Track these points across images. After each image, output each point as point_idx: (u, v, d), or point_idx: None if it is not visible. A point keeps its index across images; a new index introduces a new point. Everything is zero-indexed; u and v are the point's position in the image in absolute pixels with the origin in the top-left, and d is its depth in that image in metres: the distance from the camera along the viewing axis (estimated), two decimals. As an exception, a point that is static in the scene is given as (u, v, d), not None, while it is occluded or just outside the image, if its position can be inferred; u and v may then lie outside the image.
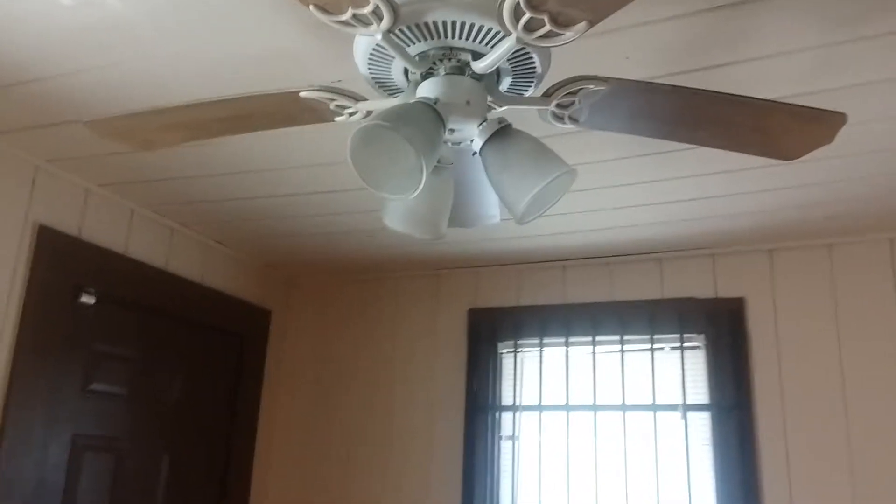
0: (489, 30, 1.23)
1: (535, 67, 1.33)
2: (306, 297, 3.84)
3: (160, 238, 3.05)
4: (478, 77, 1.31)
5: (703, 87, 1.65)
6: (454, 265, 3.49)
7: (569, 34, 1.17)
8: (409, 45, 1.29)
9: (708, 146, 1.58)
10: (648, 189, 2.55)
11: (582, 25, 1.15)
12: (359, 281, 3.73)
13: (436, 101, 1.27)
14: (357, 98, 1.39)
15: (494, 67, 1.28)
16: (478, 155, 1.36)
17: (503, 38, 1.23)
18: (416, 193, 1.19)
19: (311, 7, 1.17)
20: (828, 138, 1.55)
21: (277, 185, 2.66)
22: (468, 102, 1.29)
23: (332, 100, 1.39)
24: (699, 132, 1.53)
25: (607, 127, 1.50)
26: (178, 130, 1.57)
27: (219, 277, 3.36)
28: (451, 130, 1.32)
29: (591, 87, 1.37)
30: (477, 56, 1.29)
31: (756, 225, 2.84)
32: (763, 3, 1.58)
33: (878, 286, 2.85)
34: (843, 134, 2.03)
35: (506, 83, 1.37)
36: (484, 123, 1.30)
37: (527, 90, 1.40)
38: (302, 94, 1.38)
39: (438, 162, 1.37)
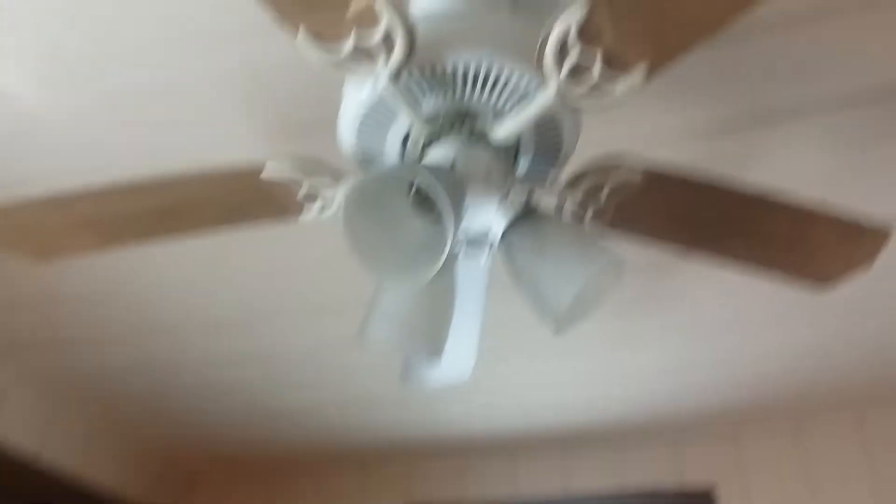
0: (520, 79, 0.99)
1: (559, 142, 1.08)
2: (208, 498, 3.23)
3: (31, 419, 2.49)
4: (496, 149, 1.05)
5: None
6: (385, 454, 3.03)
7: (621, 86, 0.94)
8: (417, 99, 1.02)
9: (739, 261, 1.34)
10: (608, 359, 2.30)
11: (640, 71, 0.93)
12: (272, 478, 3.18)
13: (452, 165, 0.99)
14: (339, 177, 1.09)
15: (518, 135, 1.03)
16: (493, 248, 1.07)
17: (536, 91, 0.98)
18: (430, 277, 0.88)
19: (300, 36, 0.90)
20: (869, 258, 1.35)
21: (178, 355, 2.24)
22: (488, 175, 1.01)
23: (303, 181, 1.09)
24: (733, 241, 1.30)
25: (628, 232, 1.25)
26: (85, 230, 1.20)
27: (99, 470, 2.76)
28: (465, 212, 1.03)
29: (622, 176, 1.13)
30: (497, 119, 1.03)
31: (723, 404, 2.60)
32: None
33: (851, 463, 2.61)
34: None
35: (524, 164, 1.11)
36: (505, 203, 1.02)
37: (546, 175, 1.14)
38: (267, 167, 1.07)
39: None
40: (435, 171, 0.89)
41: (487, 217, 1.03)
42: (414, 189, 0.95)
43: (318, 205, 1.13)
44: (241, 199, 1.13)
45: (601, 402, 2.59)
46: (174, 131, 1.45)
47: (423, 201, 0.95)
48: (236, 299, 2.00)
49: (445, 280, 1.06)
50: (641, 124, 1.48)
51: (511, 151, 1.07)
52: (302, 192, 1.10)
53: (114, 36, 1.26)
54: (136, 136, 1.46)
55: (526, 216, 0.99)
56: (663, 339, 2.21)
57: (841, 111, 1.49)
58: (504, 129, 1.01)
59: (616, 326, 2.14)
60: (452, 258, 1.08)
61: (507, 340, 2.20)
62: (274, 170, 1.07)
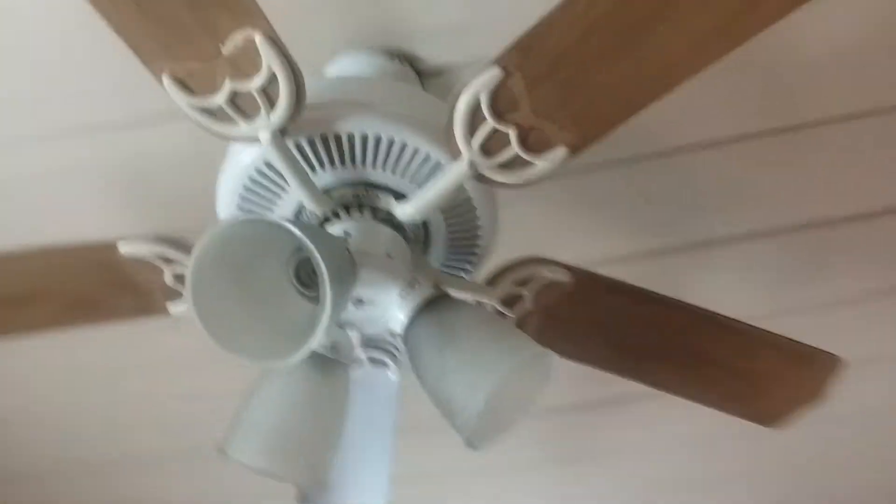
0: (427, 153, 0.85)
1: (475, 233, 0.94)
2: None
3: None
4: (402, 233, 0.90)
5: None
6: None
7: (540, 165, 0.82)
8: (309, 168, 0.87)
9: (675, 388, 1.18)
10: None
11: (560, 152, 0.81)
12: None
13: (345, 239, 0.83)
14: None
15: (425, 215, 0.88)
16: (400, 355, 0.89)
17: (446, 167, 0.85)
18: (295, 360, 0.70)
19: (164, 82, 0.76)
20: (819, 389, 1.21)
21: None
22: (389, 255, 0.85)
23: (169, 261, 0.91)
24: (667, 368, 1.14)
25: (552, 344, 1.08)
26: None
27: None
28: (359, 301, 0.85)
29: (548, 275, 0.98)
30: (400, 198, 0.89)
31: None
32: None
33: None
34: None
35: (435, 258, 0.96)
36: (410, 291, 0.85)
37: (462, 270, 0.99)
38: (121, 244, 0.89)
39: (334, 353, 0.87)
40: (317, 232, 0.73)
41: (388, 310, 0.85)
42: (294, 259, 0.78)
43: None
44: (92, 283, 0.94)
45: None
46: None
47: (306, 276, 0.78)
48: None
49: (335, 387, 0.87)
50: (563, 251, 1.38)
51: (419, 238, 0.92)
52: (168, 275, 0.92)
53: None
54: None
55: (433, 304, 0.82)
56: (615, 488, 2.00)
57: (768, 242, 1.41)
58: (410, 208, 0.87)
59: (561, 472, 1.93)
60: (345, 363, 0.89)
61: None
62: (131, 247, 0.89)
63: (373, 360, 1.06)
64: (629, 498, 2.04)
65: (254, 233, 0.73)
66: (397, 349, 1.09)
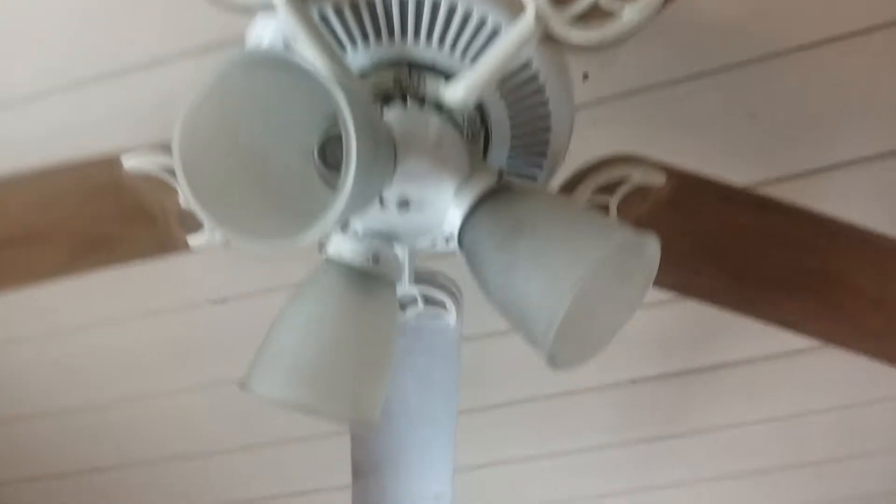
0: (482, 15, 0.68)
1: (545, 126, 0.76)
2: None
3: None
4: (454, 125, 0.73)
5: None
6: None
7: (627, 16, 0.64)
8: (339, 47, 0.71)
9: (798, 329, 0.97)
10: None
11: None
12: None
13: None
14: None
15: (480, 99, 0.71)
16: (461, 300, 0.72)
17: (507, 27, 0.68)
18: (311, 236, 0.53)
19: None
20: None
21: None
22: (438, 145, 0.68)
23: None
24: (796, 298, 0.93)
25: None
26: None
27: None
28: (405, 203, 0.68)
29: (641, 178, 0.80)
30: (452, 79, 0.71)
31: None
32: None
33: None
34: None
35: (496, 157, 0.78)
36: (466, 184, 0.67)
37: (529, 177, 0.81)
38: (126, 157, 0.75)
39: (376, 267, 0.70)
40: (352, 91, 0.56)
41: (440, 213, 0.68)
42: (320, 133, 0.62)
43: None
44: (95, 215, 0.80)
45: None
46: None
47: (334, 158, 0.62)
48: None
49: (379, 308, 0.69)
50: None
51: (475, 133, 0.75)
52: (182, 198, 0.77)
53: None
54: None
55: (496, 196, 0.64)
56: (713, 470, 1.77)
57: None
58: (462, 88, 0.69)
59: (643, 456, 1.71)
60: (390, 280, 0.72)
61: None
62: (137, 160, 0.75)
63: (428, 301, 0.90)
64: (720, 483, 1.80)
65: (268, 82, 0.57)
66: (457, 288, 0.92)
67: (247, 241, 0.55)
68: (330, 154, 0.62)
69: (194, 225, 0.81)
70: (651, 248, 0.60)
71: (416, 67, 0.71)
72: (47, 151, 0.90)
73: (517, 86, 0.72)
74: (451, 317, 0.92)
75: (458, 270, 0.93)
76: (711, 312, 1.20)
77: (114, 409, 1.55)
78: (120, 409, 1.55)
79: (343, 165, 0.52)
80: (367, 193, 0.61)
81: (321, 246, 0.73)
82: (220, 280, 1.33)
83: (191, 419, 1.58)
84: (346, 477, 1.76)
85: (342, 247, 0.69)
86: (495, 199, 0.64)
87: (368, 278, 0.69)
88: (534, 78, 0.72)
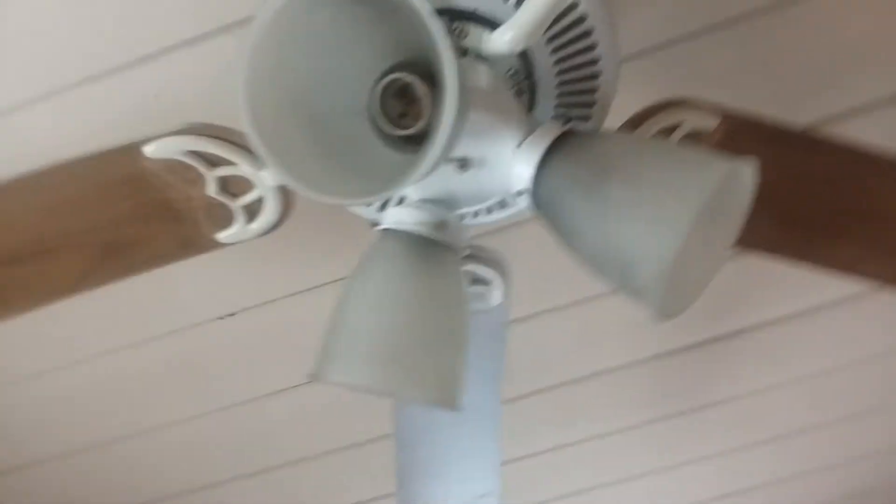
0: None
1: (595, 63, 0.72)
2: None
3: None
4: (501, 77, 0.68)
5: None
6: None
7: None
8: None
9: (848, 271, 0.94)
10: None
11: None
12: None
13: None
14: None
15: (526, 45, 0.66)
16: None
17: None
18: (402, 187, 0.49)
19: None
20: None
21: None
22: (494, 96, 0.63)
23: (210, 161, 0.70)
24: (847, 241, 0.90)
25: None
26: None
27: None
28: (464, 162, 0.63)
29: (696, 122, 0.76)
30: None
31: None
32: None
33: None
34: None
35: (543, 109, 0.73)
36: (530, 136, 0.62)
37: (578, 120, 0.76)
38: (150, 147, 0.69)
39: (443, 234, 0.64)
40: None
41: (502, 171, 0.63)
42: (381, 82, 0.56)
43: (241, 206, 0.73)
44: (116, 216, 0.73)
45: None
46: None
47: (393, 110, 0.57)
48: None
49: (448, 278, 0.64)
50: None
51: (521, 85, 0.70)
52: (211, 183, 0.71)
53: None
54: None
55: (567, 143, 0.59)
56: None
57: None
58: (508, 35, 0.65)
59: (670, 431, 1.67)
60: (456, 250, 0.66)
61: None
62: (160, 148, 0.69)
63: (474, 279, 0.85)
64: (749, 451, 1.77)
65: (329, 19, 0.51)
66: (505, 264, 0.87)
67: (320, 195, 0.49)
68: (390, 107, 0.57)
69: (223, 219, 0.75)
70: (749, 175, 0.56)
71: (458, 17, 0.67)
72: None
73: (563, 30, 0.68)
74: (497, 295, 0.87)
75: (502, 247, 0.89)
76: (727, 278, 1.18)
77: (121, 445, 1.46)
78: (128, 444, 1.46)
79: (442, 109, 0.47)
80: (452, 146, 0.56)
81: (373, 222, 0.68)
82: (224, 294, 1.26)
83: (206, 447, 1.49)
84: (360, 494, 1.70)
85: (403, 215, 0.64)
86: (569, 145, 0.59)
87: (435, 248, 0.63)
88: (581, 20, 0.68)
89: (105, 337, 1.28)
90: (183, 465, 1.53)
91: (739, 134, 0.77)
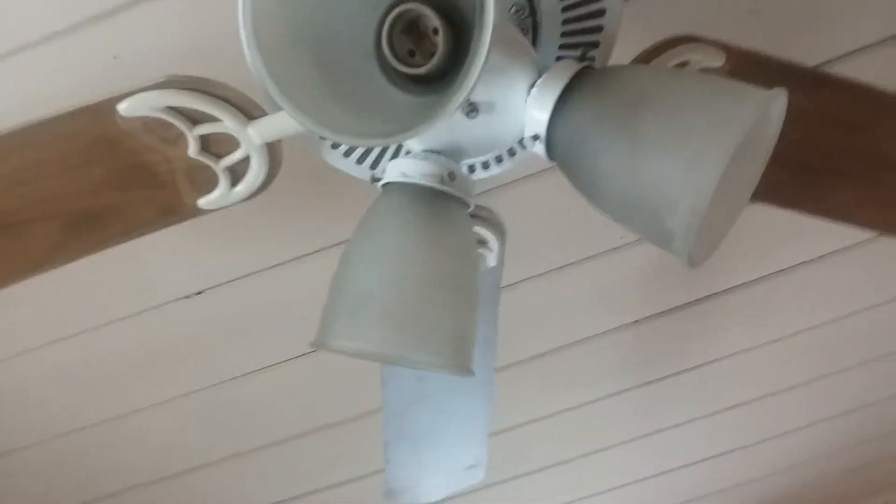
0: None
1: (600, 11, 0.68)
2: None
3: None
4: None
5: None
6: None
7: None
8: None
9: (849, 221, 0.93)
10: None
11: None
12: None
13: None
14: (255, 110, 0.65)
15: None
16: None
17: None
18: (435, 123, 0.44)
19: None
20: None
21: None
22: (500, 34, 0.59)
23: (191, 117, 0.65)
24: (849, 183, 0.88)
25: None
26: None
27: None
28: (473, 108, 0.59)
29: (703, 60, 0.72)
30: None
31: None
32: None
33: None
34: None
35: (548, 49, 0.69)
36: (546, 75, 0.58)
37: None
38: (124, 104, 0.63)
39: (452, 186, 0.60)
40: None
41: (513, 117, 0.59)
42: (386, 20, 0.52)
43: (225, 167, 0.68)
44: (90, 182, 0.67)
45: None
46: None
47: (402, 48, 0.52)
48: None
49: (459, 233, 0.60)
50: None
51: (526, 29, 0.66)
52: (192, 142, 0.66)
53: None
54: None
55: (583, 81, 0.55)
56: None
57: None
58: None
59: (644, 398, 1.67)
60: (467, 203, 0.62)
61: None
62: (137, 105, 0.63)
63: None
64: (732, 412, 1.78)
65: None
66: (502, 223, 0.83)
67: (337, 136, 0.45)
68: (398, 44, 0.52)
69: (206, 181, 0.69)
70: (781, 107, 0.53)
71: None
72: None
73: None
74: (493, 258, 0.84)
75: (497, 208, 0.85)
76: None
77: (94, 433, 1.39)
78: (102, 432, 1.39)
79: (476, 37, 0.42)
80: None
81: (374, 177, 0.63)
82: (190, 273, 1.20)
83: (180, 431, 1.43)
84: (347, 472, 1.66)
85: (407, 167, 0.59)
86: (589, 82, 0.55)
87: (444, 200, 0.59)
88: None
89: (76, 318, 1.21)
90: (167, 448, 1.48)
91: (747, 70, 0.74)
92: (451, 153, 0.61)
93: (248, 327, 1.28)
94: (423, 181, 0.58)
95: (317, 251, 1.16)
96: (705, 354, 1.62)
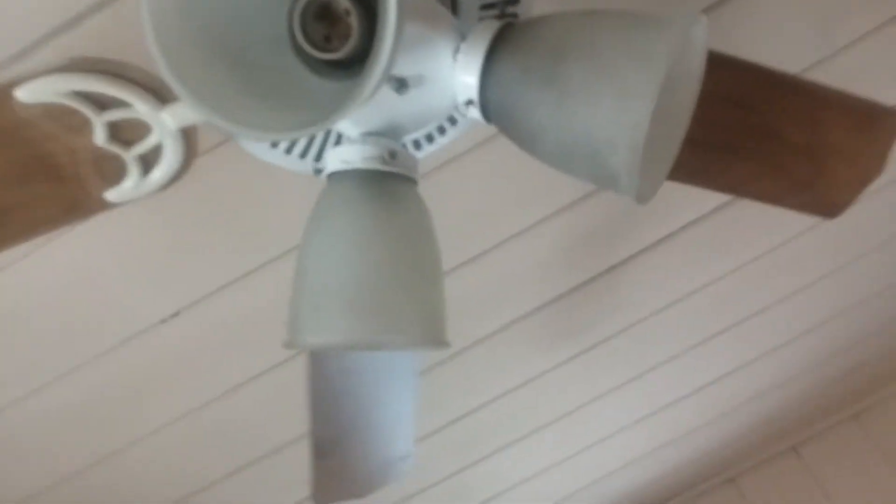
0: None
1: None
2: None
3: None
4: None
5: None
6: None
7: None
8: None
9: (746, 194, 0.98)
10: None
11: None
12: None
13: None
14: (164, 97, 0.62)
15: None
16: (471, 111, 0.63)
17: None
18: (347, 112, 0.44)
19: None
20: (879, 162, 1.03)
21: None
22: (416, 5, 0.59)
23: (99, 102, 0.61)
24: (744, 158, 0.93)
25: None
26: None
27: None
28: (402, 83, 0.58)
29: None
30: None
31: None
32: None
33: None
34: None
35: (468, 13, 0.69)
36: (468, 39, 0.58)
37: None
38: (21, 93, 0.58)
39: (395, 164, 0.59)
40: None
41: (443, 85, 0.59)
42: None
43: (136, 156, 0.64)
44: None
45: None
46: None
47: (316, 34, 0.51)
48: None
49: (413, 212, 0.59)
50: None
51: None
52: (99, 130, 0.62)
53: None
54: None
55: (507, 38, 0.56)
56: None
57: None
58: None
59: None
60: (413, 179, 0.61)
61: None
62: (37, 90, 0.58)
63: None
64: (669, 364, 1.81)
65: None
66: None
67: (250, 132, 0.43)
68: (312, 31, 0.51)
69: (114, 172, 0.65)
70: (702, 33, 0.55)
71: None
72: None
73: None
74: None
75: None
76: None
77: (95, 472, 1.31)
78: (103, 470, 1.31)
79: (372, 20, 0.42)
80: (393, 62, 0.50)
81: (316, 169, 0.62)
82: (163, 296, 1.14)
83: (181, 454, 1.36)
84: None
85: (348, 154, 0.58)
86: (512, 38, 0.56)
87: (389, 180, 0.59)
88: None
89: (54, 362, 1.13)
90: (172, 473, 1.40)
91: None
92: (390, 132, 0.61)
93: (230, 340, 1.23)
94: (364, 164, 0.57)
95: (288, 251, 1.13)
96: (678, 291, 1.60)
